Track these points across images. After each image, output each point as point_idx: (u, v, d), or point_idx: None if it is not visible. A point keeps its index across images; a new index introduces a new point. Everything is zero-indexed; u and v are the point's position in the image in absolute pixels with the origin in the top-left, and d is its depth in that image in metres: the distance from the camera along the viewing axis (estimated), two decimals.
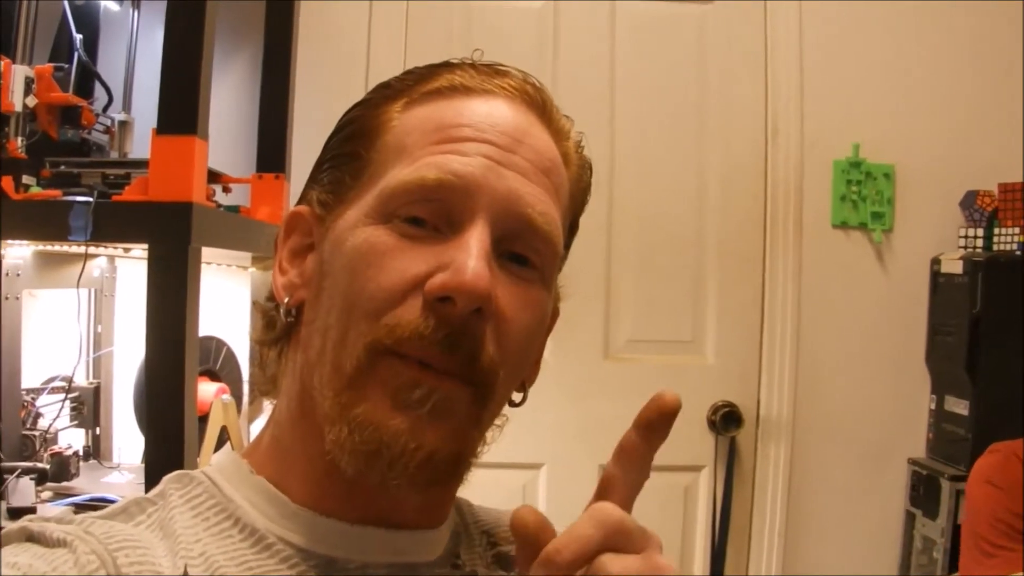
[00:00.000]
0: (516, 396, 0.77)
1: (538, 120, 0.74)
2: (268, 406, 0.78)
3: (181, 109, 1.57)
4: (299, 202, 0.78)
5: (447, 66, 0.75)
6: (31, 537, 0.64)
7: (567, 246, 0.77)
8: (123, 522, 0.68)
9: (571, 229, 0.79)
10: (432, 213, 0.68)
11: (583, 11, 2.72)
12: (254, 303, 0.78)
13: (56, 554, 0.61)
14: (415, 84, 0.74)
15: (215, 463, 0.75)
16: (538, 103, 0.74)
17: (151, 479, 1.53)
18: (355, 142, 0.74)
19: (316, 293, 0.71)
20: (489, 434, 0.73)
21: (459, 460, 0.68)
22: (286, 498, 0.70)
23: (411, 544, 0.73)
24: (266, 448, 0.75)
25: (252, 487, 0.72)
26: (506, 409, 0.75)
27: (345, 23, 2.66)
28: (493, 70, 0.75)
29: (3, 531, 0.65)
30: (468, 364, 0.66)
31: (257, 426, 2.17)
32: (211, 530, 0.69)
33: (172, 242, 1.53)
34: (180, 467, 1.48)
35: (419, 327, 0.65)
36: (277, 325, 0.75)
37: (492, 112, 0.72)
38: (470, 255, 0.65)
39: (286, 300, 0.74)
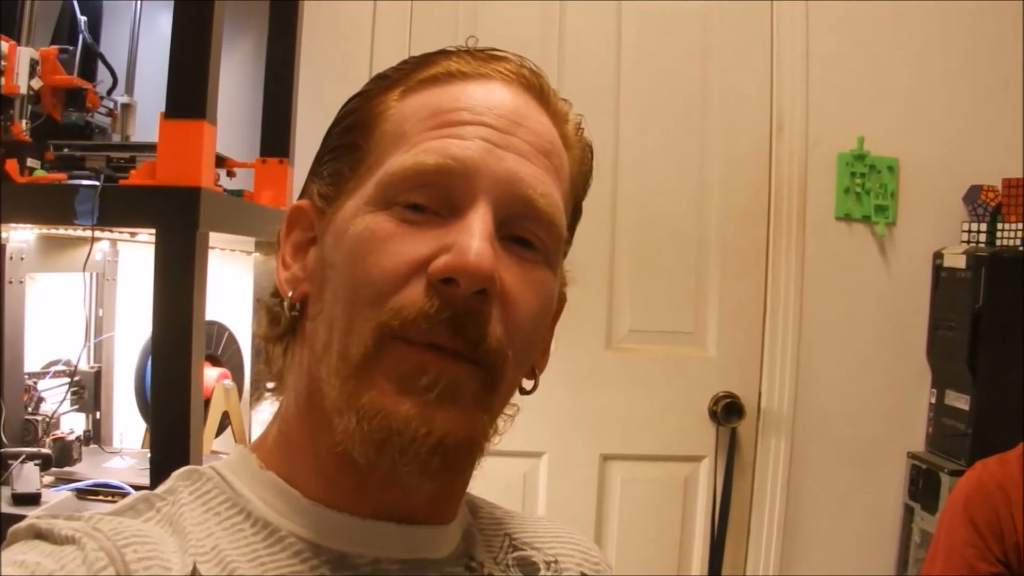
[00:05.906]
0: (527, 384, 0.76)
1: (536, 103, 0.74)
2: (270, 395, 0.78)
3: (190, 94, 1.55)
4: (300, 196, 0.78)
5: (443, 53, 0.75)
6: (39, 534, 0.63)
7: (571, 229, 0.77)
8: (131, 518, 0.67)
9: (575, 213, 0.78)
10: (432, 198, 0.68)
11: (589, 7, 2.70)
12: (258, 300, 0.78)
13: (64, 551, 0.61)
14: (411, 72, 0.74)
15: (224, 460, 0.75)
16: (535, 86, 0.74)
17: (156, 464, 1.53)
18: (353, 133, 0.74)
19: (320, 285, 0.71)
20: (500, 423, 0.72)
21: (470, 446, 0.68)
22: (297, 493, 0.70)
23: (423, 540, 0.72)
24: (273, 443, 0.74)
25: (262, 482, 0.71)
26: (516, 397, 0.74)
27: (350, 5, 2.64)
28: (489, 55, 0.75)
29: (11, 528, 0.65)
30: (475, 345, 0.66)
31: (259, 413, 2.17)
32: (222, 524, 0.68)
33: (180, 227, 1.52)
34: (185, 452, 1.49)
35: (424, 308, 0.64)
36: (282, 320, 0.74)
37: (489, 96, 0.71)
38: (473, 236, 0.65)
39: (290, 294, 0.74)
